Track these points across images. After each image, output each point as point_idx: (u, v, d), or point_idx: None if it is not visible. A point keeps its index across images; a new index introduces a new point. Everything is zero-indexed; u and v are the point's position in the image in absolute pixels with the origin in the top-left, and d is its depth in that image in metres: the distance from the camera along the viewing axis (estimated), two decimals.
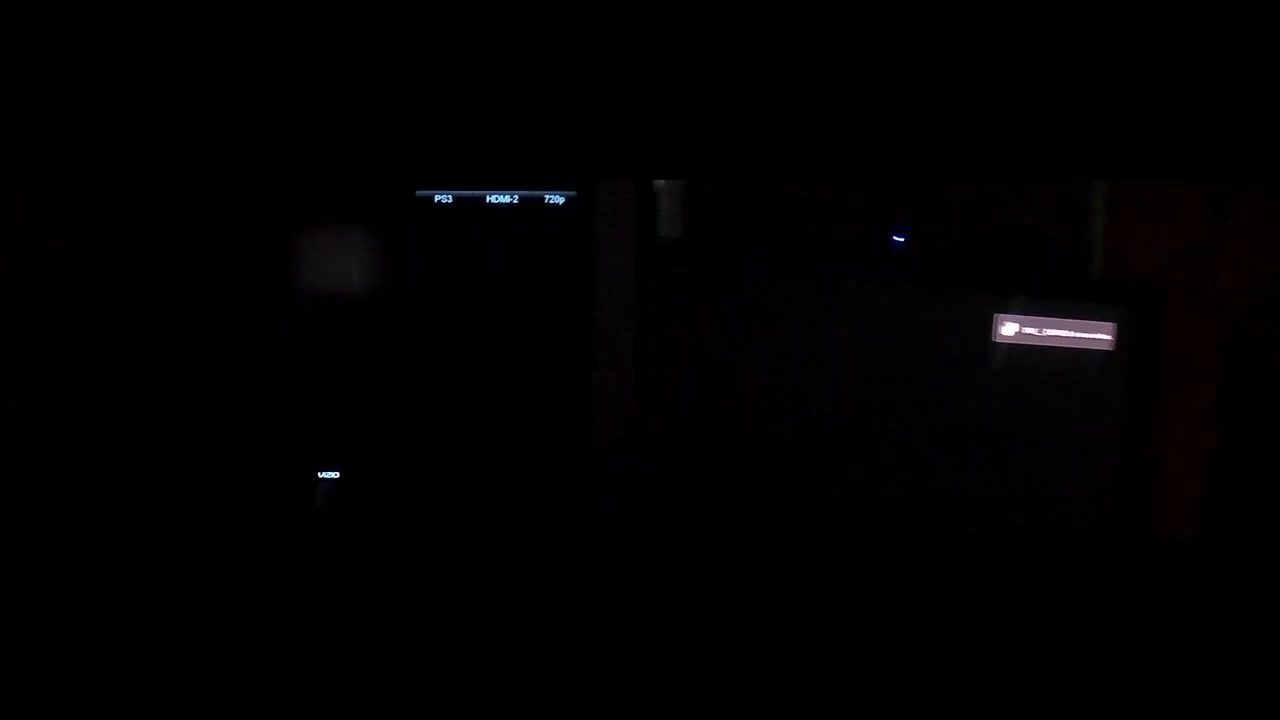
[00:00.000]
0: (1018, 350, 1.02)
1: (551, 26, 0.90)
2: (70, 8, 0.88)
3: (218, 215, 1.00)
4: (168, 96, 0.90)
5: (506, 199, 1.02)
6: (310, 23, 0.89)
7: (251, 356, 1.01)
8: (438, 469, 1.03)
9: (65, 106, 0.90)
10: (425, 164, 0.99)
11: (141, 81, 0.90)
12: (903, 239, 1.12)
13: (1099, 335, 1.02)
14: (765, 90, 0.90)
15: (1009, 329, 1.02)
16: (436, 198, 1.02)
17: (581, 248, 1.02)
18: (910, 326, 1.03)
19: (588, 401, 1.01)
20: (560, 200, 1.02)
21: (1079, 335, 1.03)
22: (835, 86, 0.90)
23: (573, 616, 0.95)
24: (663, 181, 1.15)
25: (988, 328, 1.02)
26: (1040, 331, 1.02)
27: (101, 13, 0.88)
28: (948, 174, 0.98)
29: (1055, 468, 1.03)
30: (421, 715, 0.91)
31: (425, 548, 1.00)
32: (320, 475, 1.02)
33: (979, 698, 0.93)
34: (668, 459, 1.04)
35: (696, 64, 0.90)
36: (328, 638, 0.93)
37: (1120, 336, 1.02)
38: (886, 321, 1.03)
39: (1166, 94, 0.89)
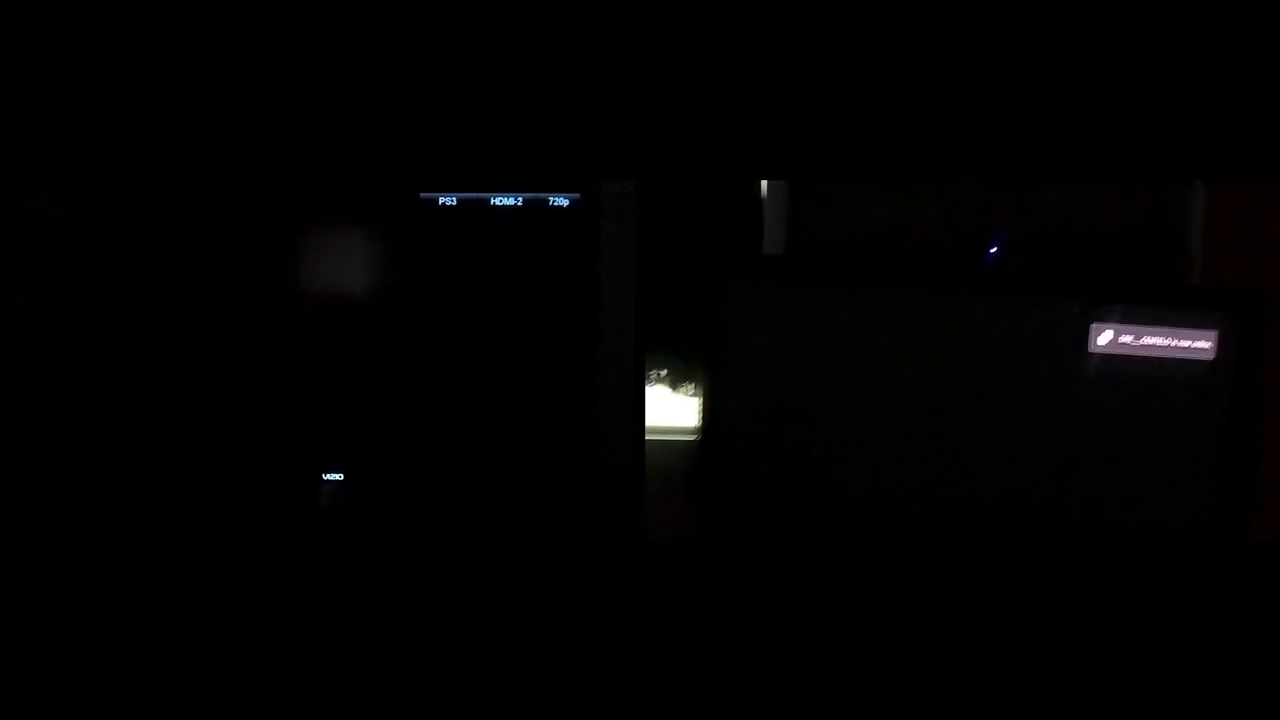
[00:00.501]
0: (1114, 360, 0.99)
1: (554, 25, 0.89)
2: (70, 7, 0.89)
3: (219, 215, 1.00)
4: (169, 96, 0.90)
5: (510, 201, 1.02)
6: (312, 22, 0.89)
7: (255, 357, 1.01)
8: (442, 470, 1.02)
9: (65, 106, 0.90)
10: (428, 165, 0.99)
11: (142, 81, 0.90)
12: (996, 249, 1.10)
13: (1200, 343, 0.99)
14: (787, 90, 0.89)
15: (1104, 338, 0.99)
16: (440, 200, 1.02)
17: (585, 250, 1.01)
18: (1003, 338, 1.00)
19: (591, 403, 1.01)
20: (564, 202, 1.01)
21: (1179, 344, 0.99)
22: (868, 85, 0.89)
23: (575, 617, 0.95)
24: (765, 194, 1.13)
25: (1083, 337, 1.00)
26: (1138, 340, 0.99)
27: (101, 12, 0.89)
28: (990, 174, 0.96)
29: (1154, 483, 1.00)
30: (425, 715, 0.91)
31: (429, 549, 1.00)
32: (324, 477, 1.02)
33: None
34: (748, 472, 1.03)
35: (703, 62, 0.89)
36: (332, 639, 0.93)
37: (1222, 343, 0.99)
38: (980, 334, 1.00)
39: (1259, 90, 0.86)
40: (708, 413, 1.02)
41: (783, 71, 0.89)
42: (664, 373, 1.16)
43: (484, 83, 0.91)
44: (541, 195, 1.02)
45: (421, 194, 1.02)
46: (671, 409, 1.16)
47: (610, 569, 0.98)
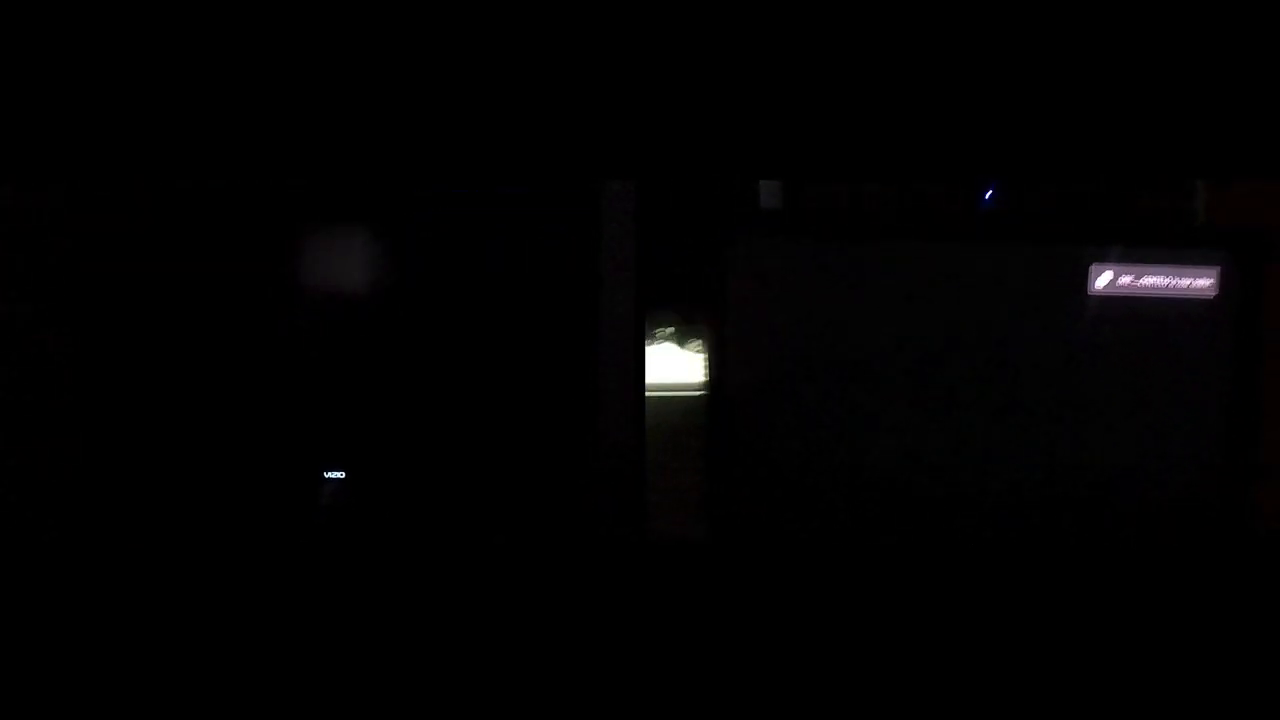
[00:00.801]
0: (1114, 302, 0.99)
1: (555, 25, 0.89)
2: (71, 8, 0.89)
3: (219, 216, 1.01)
4: (169, 96, 0.90)
5: (511, 201, 1.02)
6: (312, 21, 0.89)
7: (256, 357, 1.01)
8: (442, 470, 1.03)
9: (65, 106, 0.90)
10: (428, 164, 0.97)
11: (143, 82, 0.90)
12: (990, 195, 1.10)
13: (1201, 282, 0.99)
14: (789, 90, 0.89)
15: (1103, 279, 0.99)
16: (440, 198, 1.02)
17: (586, 249, 1.01)
18: (1003, 281, 1.00)
19: (591, 404, 1.01)
20: (564, 202, 1.01)
21: (1179, 283, 0.99)
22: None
23: (575, 616, 0.95)
24: None
25: (1082, 279, 0.99)
26: (1138, 280, 0.99)
27: (102, 13, 0.89)
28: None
29: (1158, 424, 1.00)
30: (426, 716, 0.92)
31: (430, 547, 1.00)
32: (326, 475, 1.03)
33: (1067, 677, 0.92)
34: (754, 427, 1.04)
35: (703, 62, 0.89)
36: (333, 637, 0.94)
37: (1224, 282, 0.99)
38: (979, 280, 1.01)
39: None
40: (713, 369, 1.03)
41: (781, 72, 0.89)
42: (670, 330, 1.17)
43: (483, 80, 0.90)
44: (542, 195, 1.02)
45: (421, 192, 1.02)
46: (678, 366, 1.17)
47: (610, 569, 0.98)
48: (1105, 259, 0.99)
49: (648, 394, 1.04)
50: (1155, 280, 0.99)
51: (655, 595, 0.96)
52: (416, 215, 1.02)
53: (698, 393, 1.05)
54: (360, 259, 1.02)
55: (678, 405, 1.13)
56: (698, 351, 1.15)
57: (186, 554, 0.98)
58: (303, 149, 0.92)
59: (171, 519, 1.01)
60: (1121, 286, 0.99)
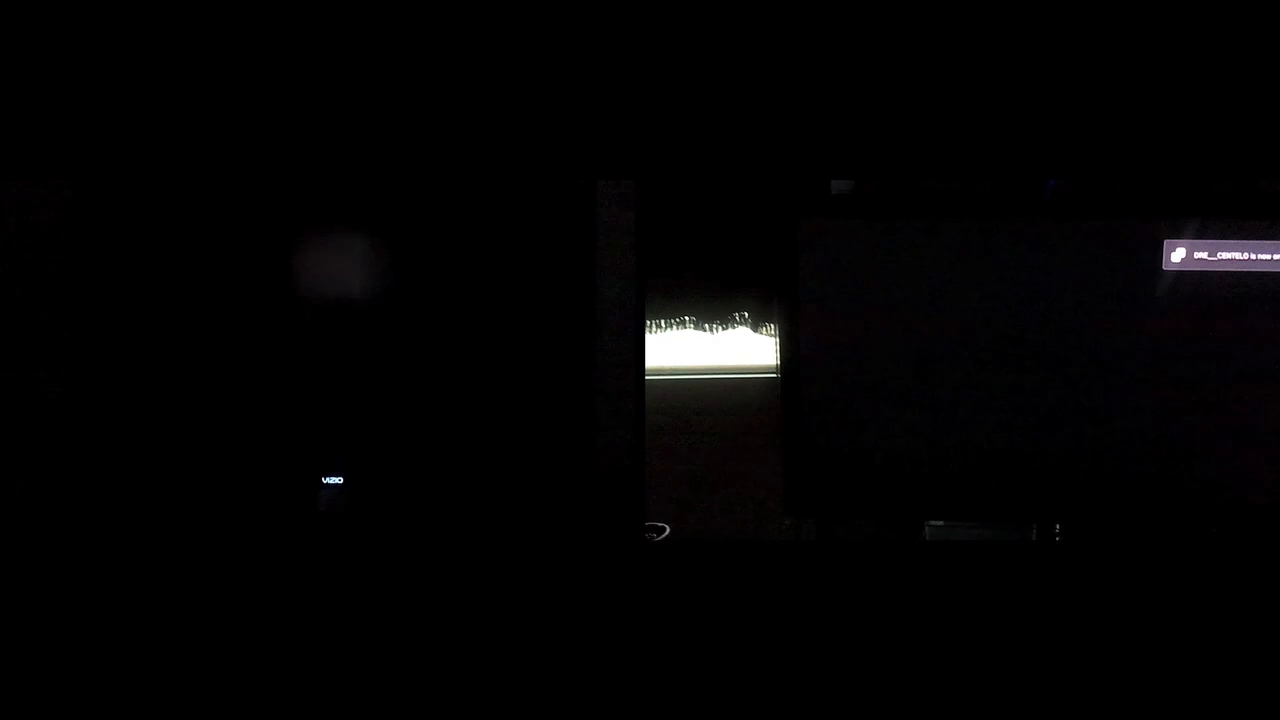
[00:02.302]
0: (1190, 277, 0.98)
1: (554, 25, 0.90)
2: (72, 10, 0.91)
3: (218, 220, 1.01)
4: (168, 97, 0.92)
5: (510, 201, 1.01)
6: (308, 21, 0.91)
7: (255, 362, 1.01)
8: (441, 472, 1.03)
9: (66, 106, 0.92)
10: (427, 163, 0.98)
11: (144, 82, 0.92)
12: (1054, 184, 1.09)
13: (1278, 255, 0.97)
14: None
15: (1178, 255, 0.98)
16: (438, 200, 1.01)
17: (584, 249, 1.01)
18: (1074, 260, 1.00)
19: (590, 404, 1.01)
20: (564, 201, 1.01)
21: (1259, 257, 0.98)
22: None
23: (575, 617, 0.95)
24: None
25: (1158, 256, 0.99)
26: (1214, 255, 0.98)
27: (103, 15, 0.91)
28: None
29: (1235, 402, 0.98)
30: (425, 716, 0.93)
31: (428, 551, 0.99)
32: (324, 480, 1.03)
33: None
34: (829, 408, 1.04)
35: (705, 65, 0.90)
36: (332, 640, 0.95)
37: None
38: (1051, 257, 1.00)
39: None
40: (786, 352, 1.04)
41: (789, 75, 0.89)
42: (745, 313, 1.18)
43: (481, 79, 0.92)
44: (540, 195, 1.01)
45: (418, 195, 1.01)
46: (753, 349, 1.18)
47: (610, 569, 0.98)
48: (1180, 234, 0.98)
49: (723, 376, 1.05)
50: (1233, 255, 0.98)
51: (655, 595, 0.96)
52: (412, 214, 1.02)
53: (772, 375, 1.05)
54: (356, 260, 1.02)
55: (754, 386, 1.14)
56: (770, 335, 1.16)
57: (186, 558, 0.98)
58: (300, 149, 0.94)
59: (173, 522, 1.01)
60: (1198, 261, 0.98)
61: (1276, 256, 0.97)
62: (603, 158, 0.96)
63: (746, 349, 1.18)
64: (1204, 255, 0.98)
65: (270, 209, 1.01)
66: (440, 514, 1.02)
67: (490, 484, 1.02)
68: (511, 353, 1.02)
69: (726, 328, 1.15)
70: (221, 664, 0.93)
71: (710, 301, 1.20)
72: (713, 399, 1.18)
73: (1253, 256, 0.98)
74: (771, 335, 1.14)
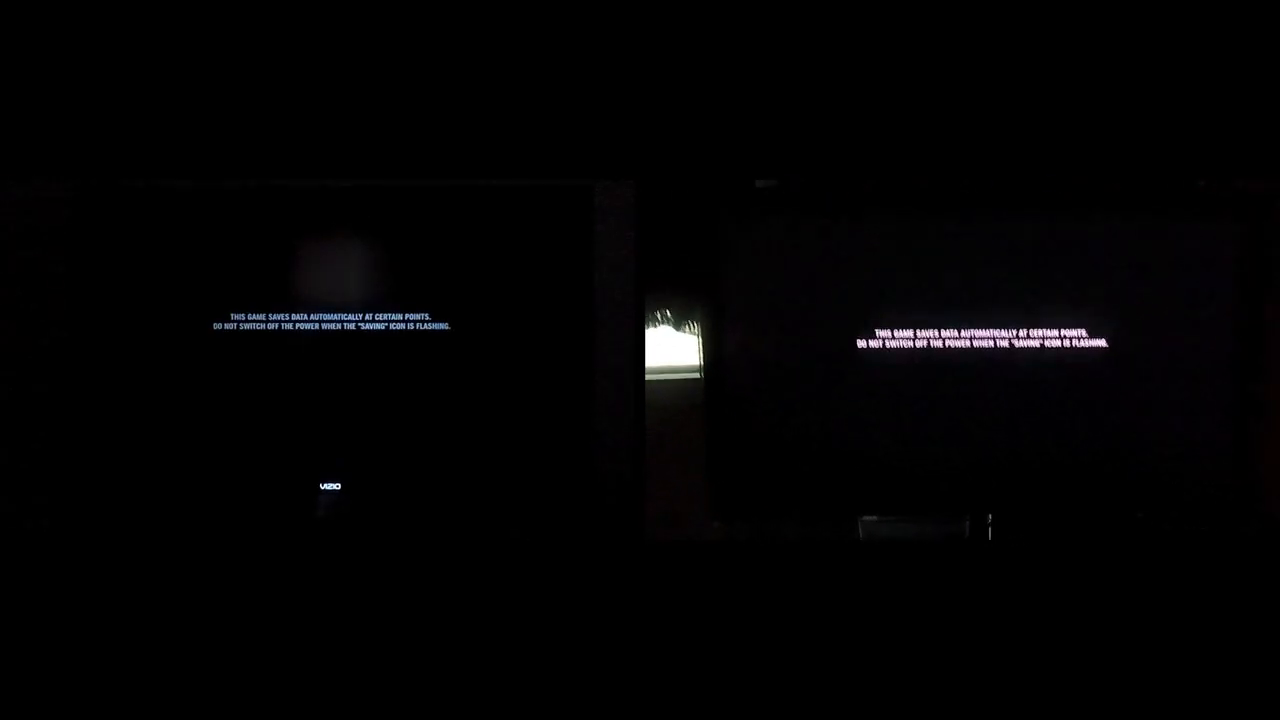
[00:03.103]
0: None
1: (553, 25, 0.89)
2: (73, 12, 0.89)
3: (216, 224, 1.00)
4: (168, 97, 0.90)
5: (507, 201, 1.01)
6: (304, 22, 0.89)
7: (253, 368, 1.01)
8: (440, 473, 1.02)
9: (66, 106, 0.90)
10: (426, 162, 0.98)
11: (144, 83, 0.90)
12: None
13: None
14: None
15: None
16: (434, 201, 1.01)
17: (582, 249, 1.01)
18: (1001, 256, 1.01)
19: (589, 405, 1.01)
20: (561, 201, 1.01)
21: None
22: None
23: (574, 617, 0.95)
24: None
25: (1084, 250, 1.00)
26: None
27: (104, 16, 0.89)
28: None
29: (1161, 390, 1.01)
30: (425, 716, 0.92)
31: (427, 555, 0.99)
32: (322, 487, 1.03)
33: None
34: (753, 407, 1.03)
35: (700, 66, 0.90)
36: (330, 645, 0.94)
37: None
38: (979, 253, 1.01)
39: None
40: (710, 351, 1.03)
41: (777, 76, 0.89)
42: (667, 312, 1.16)
43: (479, 78, 0.91)
44: (540, 194, 1.01)
45: (416, 196, 1.01)
46: (674, 348, 1.16)
47: (610, 569, 0.98)
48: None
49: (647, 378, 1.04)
50: None
51: (654, 595, 0.96)
52: (410, 219, 1.01)
53: (694, 375, 1.04)
54: (352, 263, 1.01)
55: (676, 388, 1.12)
56: (693, 334, 1.14)
57: (185, 564, 0.97)
58: (297, 150, 0.92)
59: (171, 528, 1.00)
60: None
61: None
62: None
63: (669, 348, 1.16)
64: None
65: (266, 210, 1.00)
66: (438, 518, 1.02)
67: (488, 488, 1.02)
68: (509, 357, 1.02)
69: (648, 326, 1.13)
70: (220, 668, 0.92)
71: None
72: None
73: None
74: (694, 334, 1.12)
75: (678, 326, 1.16)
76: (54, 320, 1.01)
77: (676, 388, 1.14)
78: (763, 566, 0.97)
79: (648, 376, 1.07)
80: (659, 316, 1.15)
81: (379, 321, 1.01)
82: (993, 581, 0.95)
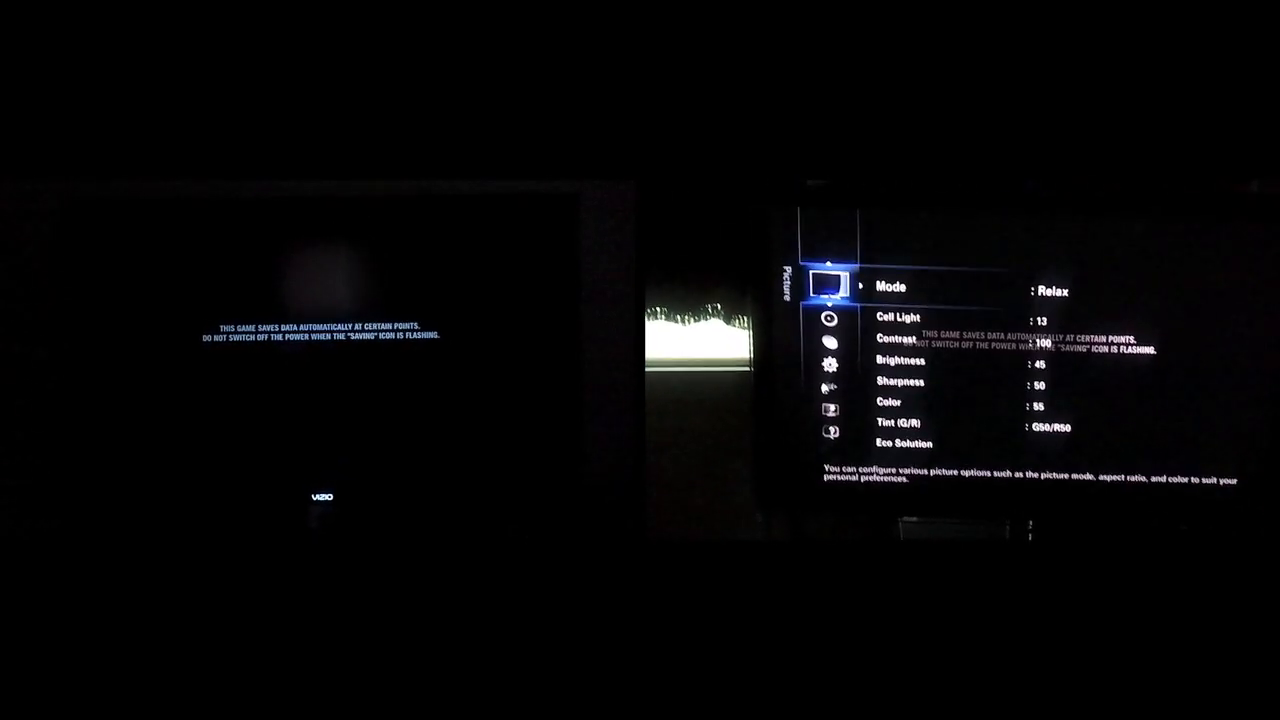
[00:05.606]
0: None
1: (549, 25, 0.89)
2: (73, 12, 0.90)
3: (207, 231, 1.00)
4: (166, 98, 0.91)
5: (503, 201, 1.01)
6: (301, 24, 0.90)
7: (244, 379, 1.01)
8: (440, 474, 1.03)
9: (66, 106, 0.91)
10: (426, 162, 0.98)
11: (143, 83, 0.91)
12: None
13: None
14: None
15: None
16: (429, 203, 1.01)
17: (566, 250, 1.01)
18: (1045, 253, 0.99)
19: (578, 412, 1.01)
20: (558, 201, 1.01)
21: None
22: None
23: (574, 618, 0.95)
24: None
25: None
26: None
27: (104, 17, 0.90)
28: None
29: (1203, 398, 0.98)
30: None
31: (419, 564, 0.99)
32: (314, 498, 1.03)
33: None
34: (801, 402, 1.03)
35: (701, 67, 0.89)
36: (323, 656, 0.94)
37: None
38: (1026, 250, 0.99)
39: None
40: (759, 344, 1.03)
41: (782, 78, 0.89)
42: (718, 305, 1.17)
43: (474, 77, 0.91)
44: (524, 201, 1.01)
45: (404, 205, 1.01)
46: (725, 342, 1.17)
47: (610, 569, 0.98)
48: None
49: (692, 370, 1.04)
50: None
51: (655, 595, 0.96)
52: (394, 225, 1.01)
53: (745, 368, 1.05)
54: (342, 274, 1.02)
55: (725, 380, 1.13)
56: (742, 328, 1.15)
57: (175, 574, 0.97)
58: (293, 151, 0.93)
59: (162, 538, 1.01)
60: None
61: None
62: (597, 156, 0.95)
63: (719, 341, 1.17)
64: None
65: (252, 221, 1.00)
66: (431, 527, 1.02)
67: (481, 495, 1.02)
68: (498, 364, 1.01)
69: (698, 319, 1.14)
70: (213, 680, 0.93)
71: (682, 292, 1.18)
72: (684, 391, 1.17)
73: None
74: (744, 328, 1.12)
75: (728, 320, 1.16)
76: (42, 333, 1.01)
77: (728, 380, 1.14)
78: (762, 566, 0.98)
79: (695, 369, 1.07)
80: (709, 309, 1.16)
81: (368, 331, 1.01)
82: (1029, 585, 0.94)
